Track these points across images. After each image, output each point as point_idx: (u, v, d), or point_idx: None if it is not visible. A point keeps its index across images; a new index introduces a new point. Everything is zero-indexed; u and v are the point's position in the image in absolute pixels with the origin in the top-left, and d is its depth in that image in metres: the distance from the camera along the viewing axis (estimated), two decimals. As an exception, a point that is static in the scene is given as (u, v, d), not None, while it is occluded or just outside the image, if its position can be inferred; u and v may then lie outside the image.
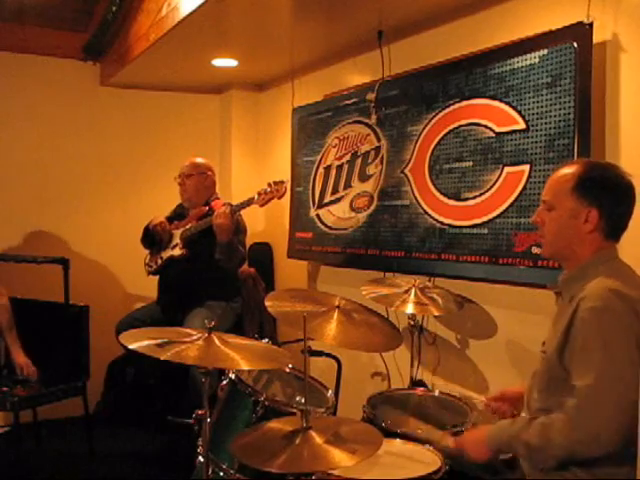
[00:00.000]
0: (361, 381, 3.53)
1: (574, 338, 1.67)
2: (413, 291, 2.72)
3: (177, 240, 3.66)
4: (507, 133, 2.63)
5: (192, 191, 3.75)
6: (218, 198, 3.79)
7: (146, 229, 3.81)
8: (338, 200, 3.62)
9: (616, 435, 1.57)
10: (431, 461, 1.89)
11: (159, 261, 3.73)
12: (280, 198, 3.40)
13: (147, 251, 3.86)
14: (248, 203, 3.42)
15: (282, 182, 3.38)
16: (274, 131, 4.54)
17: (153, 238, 3.78)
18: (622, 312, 1.60)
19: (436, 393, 2.55)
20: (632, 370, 1.57)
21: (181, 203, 3.87)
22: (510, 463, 1.89)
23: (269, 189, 3.36)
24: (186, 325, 3.36)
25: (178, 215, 3.83)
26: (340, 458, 1.51)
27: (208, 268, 3.53)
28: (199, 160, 3.84)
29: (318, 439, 1.57)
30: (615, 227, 1.75)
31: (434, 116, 2.99)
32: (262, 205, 3.40)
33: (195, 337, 1.81)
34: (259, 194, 3.38)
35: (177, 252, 3.62)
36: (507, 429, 1.77)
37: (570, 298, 1.71)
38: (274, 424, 1.71)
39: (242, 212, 3.66)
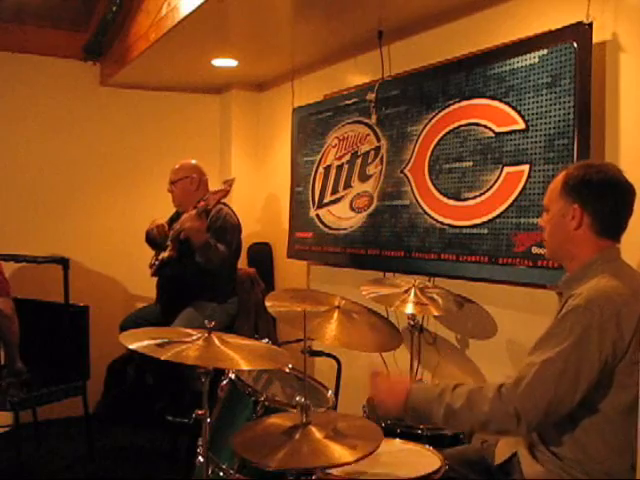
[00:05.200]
0: (361, 381, 3.52)
1: None
2: (413, 291, 2.72)
3: (168, 242, 3.67)
4: (507, 133, 2.64)
5: (180, 196, 3.71)
6: None
7: (147, 233, 3.81)
8: (338, 200, 3.62)
9: (533, 423, 1.61)
10: (431, 461, 1.89)
11: (156, 263, 3.73)
12: (225, 197, 3.26)
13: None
14: (205, 202, 3.31)
15: (229, 180, 3.26)
16: (274, 131, 4.54)
17: (154, 240, 3.79)
18: (602, 317, 1.60)
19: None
20: (581, 371, 1.59)
21: None
22: (506, 468, 1.89)
23: (219, 188, 3.26)
24: (173, 325, 3.39)
25: (178, 217, 3.82)
26: (340, 454, 1.49)
27: (198, 269, 3.47)
28: (181, 164, 3.75)
29: (318, 434, 1.56)
30: (605, 224, 1.75)
31: (434, 116, 2.99)
32: (213, 206, 3.31)
33: (195, 337, 1.81)
34: (211, 193, 3.30)
35: (167, 253, 3.61)
36: (431, 390, 1.77)
37: (567, 298, 1.72)
38: (274, 419, 1.70)
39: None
